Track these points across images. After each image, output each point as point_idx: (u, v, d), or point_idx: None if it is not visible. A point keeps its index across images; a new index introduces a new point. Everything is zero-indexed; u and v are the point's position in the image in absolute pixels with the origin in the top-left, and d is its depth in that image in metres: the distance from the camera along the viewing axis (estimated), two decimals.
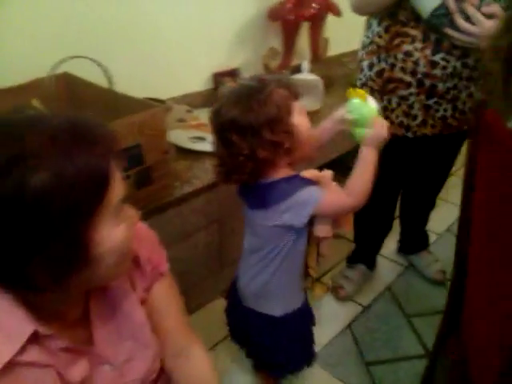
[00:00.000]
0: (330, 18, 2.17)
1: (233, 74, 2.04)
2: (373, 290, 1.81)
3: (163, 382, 0.82)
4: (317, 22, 2.13)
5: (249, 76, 1.09)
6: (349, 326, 1.64)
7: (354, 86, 1.01)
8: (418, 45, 1.27)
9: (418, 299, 1.76)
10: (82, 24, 1.59)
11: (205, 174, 1.50)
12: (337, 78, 2.29)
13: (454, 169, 1.68)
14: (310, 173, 1.01)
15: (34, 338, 0.60)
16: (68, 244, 0.55)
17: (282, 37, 2.13)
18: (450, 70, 1.28)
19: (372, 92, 1.39)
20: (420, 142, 1.46)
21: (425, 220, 1.85)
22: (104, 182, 0.57)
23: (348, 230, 1.13)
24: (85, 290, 0.69)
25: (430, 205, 1.79)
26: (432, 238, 1.96)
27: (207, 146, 1.47)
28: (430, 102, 1.35)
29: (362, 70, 1.45)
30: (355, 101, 1.02)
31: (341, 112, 1.06)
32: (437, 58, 1.27)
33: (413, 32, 1.27)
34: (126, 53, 1.73)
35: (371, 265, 1.84)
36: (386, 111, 1.40)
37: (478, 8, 1.11)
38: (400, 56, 1.31)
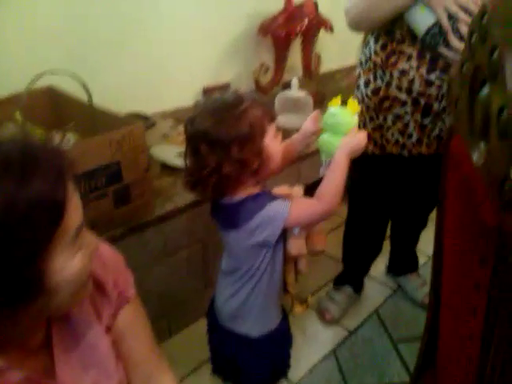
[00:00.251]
0: (322, 34, 2.16)
1: (223, 88, 2.02)
2: (360, 313, 1.76)
3: None
4: (309, 38, 2.12)
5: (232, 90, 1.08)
6: (333, 351, 1.59)
7: (345, 102, 0.99)
8: (414, 63, 1.26)
9: (405, 324, 1.71)
10: (71, 37, 1.57)
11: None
12: (328, 94, 2.26)
13: None
14: (280, 189, 1.01)
15: None
16: (21, 276, 0.51)
17: (273, 52, 2.11)
18: (445, 89, 1.26)
19: (368, 110, 1.38)
20: (415, 161, 1.43)
21: (415, 239, 1.82)
22: (59, 210, 0.53)
23: (321, 249, 1.11)
24: (44, 318, 0.65)
25: (422, 224, 1.76)
26: (422, 259, 1.92)
27: None
28: (425, 121, 1.33)
29: (358, 87, 1.44)
30: (334, 108, 1.00)
31: (310, 123, 1.06)
32: (432, 76, 1.25)
33: (409, 50, 1.26)
34: (115, 67, 1.71)
35: (358, 287, 1.80)
36: (381, 129, 1.38)
37: None
38: (396, 74, 1.29)
